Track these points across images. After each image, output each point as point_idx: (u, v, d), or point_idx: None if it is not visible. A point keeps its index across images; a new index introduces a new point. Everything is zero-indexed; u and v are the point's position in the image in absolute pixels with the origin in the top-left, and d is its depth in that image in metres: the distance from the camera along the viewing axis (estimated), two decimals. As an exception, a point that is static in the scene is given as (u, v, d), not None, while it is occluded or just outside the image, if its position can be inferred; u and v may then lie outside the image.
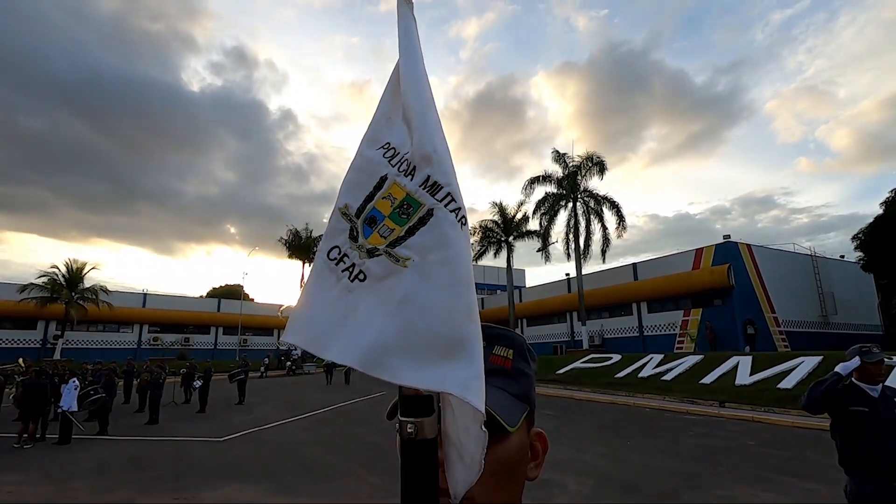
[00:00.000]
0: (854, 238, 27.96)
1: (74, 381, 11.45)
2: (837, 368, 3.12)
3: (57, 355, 31.00)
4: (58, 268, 33.42)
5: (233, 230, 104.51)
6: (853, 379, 3.13)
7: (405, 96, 0.57)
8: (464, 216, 0.52)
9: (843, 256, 32.74)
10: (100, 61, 79.47)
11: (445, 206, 0.51)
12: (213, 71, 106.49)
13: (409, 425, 0.45)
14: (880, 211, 26.61)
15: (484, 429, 0.44)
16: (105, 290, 35.05)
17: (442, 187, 0.52)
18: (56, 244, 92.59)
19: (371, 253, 0.52)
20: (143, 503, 6.59)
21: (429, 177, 0.52)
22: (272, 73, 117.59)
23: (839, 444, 3.15)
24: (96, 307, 33.64)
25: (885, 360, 3.05)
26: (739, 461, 8.24)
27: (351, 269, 0.52)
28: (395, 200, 0.53)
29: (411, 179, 0.53)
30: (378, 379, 0.45)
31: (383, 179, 0.55)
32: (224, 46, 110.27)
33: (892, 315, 28.11)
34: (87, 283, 34.43)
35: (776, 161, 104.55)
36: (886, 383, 3.14)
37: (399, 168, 0.55)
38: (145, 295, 43.07)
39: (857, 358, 3.07)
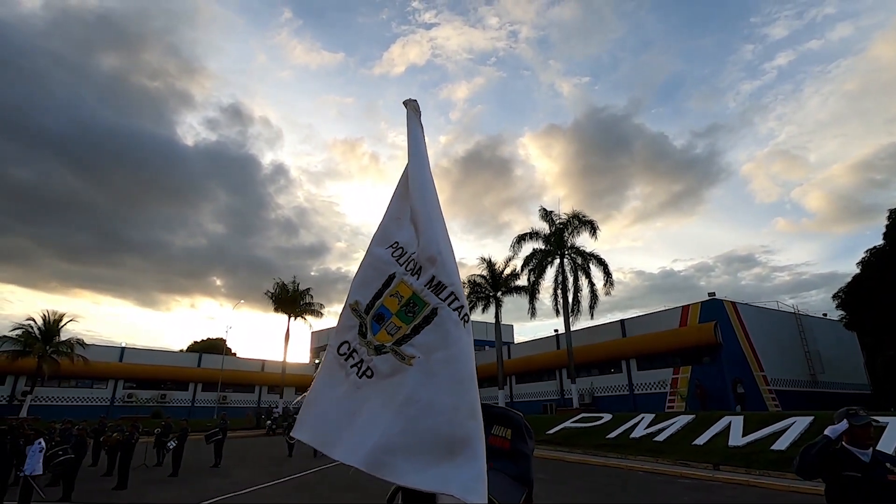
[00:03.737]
0: (835, 296, 28.50)
1: (40, 443, 10.81)
2: (826, 432, 3.12)
3: (24, 413, 29.39)
4: (34, 320, 32.42)
5: (219, 282, 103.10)
6: (843, 443, 3.13)
7: (413, 199, 0.61)
8: (466, 314, 0.55)
9: (825, 314, 33.20)
10: (96, 114, 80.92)
11: (449, 304, 0.54)
12: (209, 126, 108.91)
13: None
14: (858, 270, 27.35)
15: None
16: (81, 344, 33.82)
17: (446, 287, 0.55)
18: (35, 295, 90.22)
19: (378, 350, 0.55)
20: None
21: (433, 277, 0.56)
22: (266, 129, 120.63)
23: (834, 511, 3.10)
24: (70, 361, 32.33)
25: (873, 422, 3.07)
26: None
27: (359, 366, 0.55)
28: (402, 298, 0.56)
29: (417, 279, 0.57)
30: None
31: (391, 277, 0.59)
32: (220, 103, 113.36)
33: (877, 374, 28.18)
34: (64, 336, 33.28)
35: (755, 220, 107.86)
36: (878, 447, 3.14)
37: (406, 267, 0.58)
38: (123, 349, 41.69)
39: (846, 421, 3.08)
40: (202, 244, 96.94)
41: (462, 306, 0.55)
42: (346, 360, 0.57)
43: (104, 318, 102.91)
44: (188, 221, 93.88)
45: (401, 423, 0.46)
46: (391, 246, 0.61)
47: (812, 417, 15.00)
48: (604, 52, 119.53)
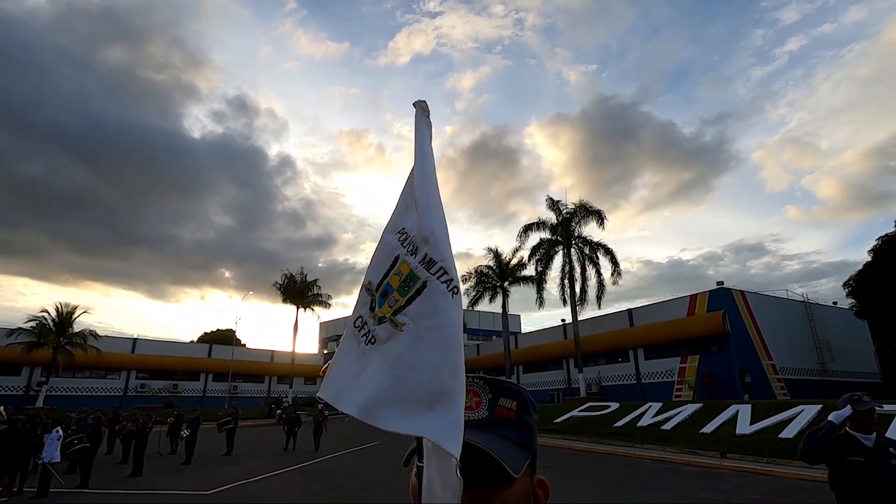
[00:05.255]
0: (845, 285, 28.24)
1: (58, 431, 11.08)
2: (830, 417, 3.13)
3: (40, 403, 30.01)
4: (48, 312, 32.93)
5: (227, 274, 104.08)
6: (847, 428, 3.15)
7: (416, 189, 0.69)
8: (456, 286, 0.62)
9: (835, 303, 32.93)
10: (103, 109, 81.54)
11: (438, 278, 0.62)
12: (215, 119, 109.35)
13: (424, 469, 0.52)
14: (869, 258, 27.05)
15: (459, 476, 0.50)
16: (94, 335, 34.36)
17: (436, 263, 0.63)
18: (48, 287, 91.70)
19: (380, 320, 0.64)
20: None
21: (426, 255, 0.64)
22: (272, 121, 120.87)
23: (837, 495, 3.12)
24: (84, 352, 32.88)
25: (876, 408, 3.08)
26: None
27: (367, 335, 0.65)
28: (402, 276, 0.65)
29: (414, 257, 0.65)
30: (375, 427, 0.54)
31: (396, 259, 0.68)
32: (226, 96, 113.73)
33: (888, 363, 27.97)
34: (77, 328, 33.80)
35: (765, 209, 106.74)
36: (888, 434, 3.15)
37: (408, 249, 0.67)
38: (135, 340, 42.30)
39: (849, 406, 3.10)
40: (210, 237, 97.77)
41: (451, 280, 0.61)
42: (359, 331, 0.66)
43: (115, 311, 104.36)
44: (196, 214, 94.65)
45: (390, 379, 0.54)
46: (399, 232, 0.70)
47: (821, 406, 14.97)
48: (612, 39, 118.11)
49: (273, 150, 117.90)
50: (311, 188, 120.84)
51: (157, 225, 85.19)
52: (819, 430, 3.16)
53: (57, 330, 32.60)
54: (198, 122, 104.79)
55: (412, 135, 0.73)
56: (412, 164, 0.74)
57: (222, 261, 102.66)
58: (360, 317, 0.67)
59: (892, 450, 3.01)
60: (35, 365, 34.42)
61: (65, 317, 33.30)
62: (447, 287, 0.60)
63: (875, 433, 3.09)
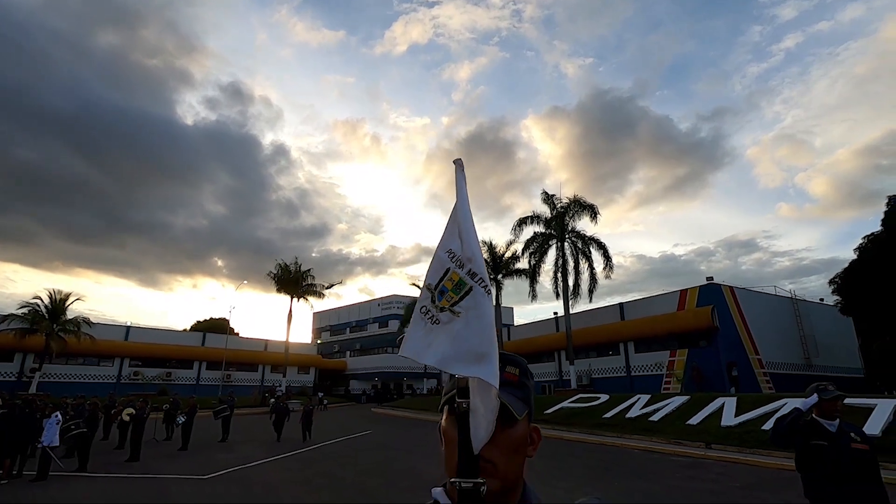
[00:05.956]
0: (831, 282, 28.75)
1: (57, 416, 11.24)
2: (797, 405, 3.42)
3: (33, 389, 30.04)
4: (40, 298, 32.83)
5: (220, 263, 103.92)
6: (813, 415, 3.42)
7: (460, 224, 1.02)
8: (489, 289, 0.95)
9: (822, 300, 33.51)
10: (96, 94, 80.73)
11: (478, 284, 0.94)
12: (208, 106, 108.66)
13: (463, 403, 0.82)
14: (855, 256, 27.55)
15: (497, 398, 0.81)
16: (88, 322, 34.32)
17: (477, 274, 0.95)
18: (38, 274, 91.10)
19: (441, 309, 0.96)
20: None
21: (470, 269, 0.96)
22: (267, 109, 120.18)
23: (803, 477, 3.40)
24: (77, 340, 32.88)
25: (844, 397, 3.35)
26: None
27: (432, 318, 0.96)
28: (454, 281, 0.98)
29: (461, 270, 0.97)
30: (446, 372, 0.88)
31: (448, 270, 0.99)
32: (220, 82, 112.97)
33: (872, 359, 28.59)
34: (70, 315, 33.75)
35: (758, 205, 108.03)
36: (865, 426, 3.40)
37: (456, 264, 0.99)
38: (128, 327, 42.26)
39: (816, 395, 3.38)
40: (203, 225, 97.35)
41: (486, 285, 0.93)
42: (424, 315, 0.95)
43: (106, 298, 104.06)
44: (189, 202, 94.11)
45: (453, 349, 0.84)
46: (447, 251, 1.00)
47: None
48: (610, 32, 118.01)
49: (267, 139, 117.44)
50: (306, 178, 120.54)
51: (150, 212, 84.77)
52: (787, 416, 3.44)
53: (50, 317, 32.52)
54: (191, 108, 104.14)
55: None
56: (454, 206, 1.05)
57: (215, 249, 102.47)
58: (424, 306, 0.98)
59: (852, 434, 3.28)
60: (28, 351, 34.35)
61: (58, 304, 33.21)
62: (484, 290, 0.93)
63: (839, 419, 3.36)
